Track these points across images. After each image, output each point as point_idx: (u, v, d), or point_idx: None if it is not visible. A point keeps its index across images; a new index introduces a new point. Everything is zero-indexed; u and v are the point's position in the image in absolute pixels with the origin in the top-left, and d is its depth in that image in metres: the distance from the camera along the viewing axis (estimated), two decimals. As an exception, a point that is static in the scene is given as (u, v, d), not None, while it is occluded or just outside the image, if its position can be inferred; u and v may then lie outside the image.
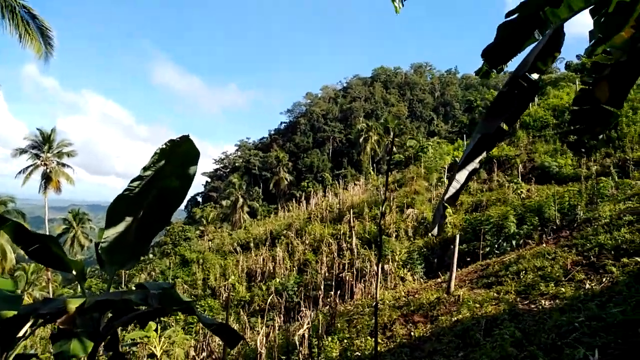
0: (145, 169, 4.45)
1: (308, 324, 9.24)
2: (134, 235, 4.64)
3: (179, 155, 4.49)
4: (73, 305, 3.99)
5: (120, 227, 4.59)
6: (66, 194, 46.34)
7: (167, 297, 4.39)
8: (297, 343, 8.84)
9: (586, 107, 4.84)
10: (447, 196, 4.21)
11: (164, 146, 4.45)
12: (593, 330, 5.85)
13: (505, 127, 4.27)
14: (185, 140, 4.43)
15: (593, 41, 4.98)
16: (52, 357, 4.39)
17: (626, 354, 4.95)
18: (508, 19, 4.41)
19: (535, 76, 4.20)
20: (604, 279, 8.54)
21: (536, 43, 4.26)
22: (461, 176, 4.27)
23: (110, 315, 4.91)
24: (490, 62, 4.88)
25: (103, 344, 4.77)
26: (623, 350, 5.02)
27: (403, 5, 4.66)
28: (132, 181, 4.48)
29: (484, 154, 4.46)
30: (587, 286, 8.44)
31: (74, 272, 4.66)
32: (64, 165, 44.40)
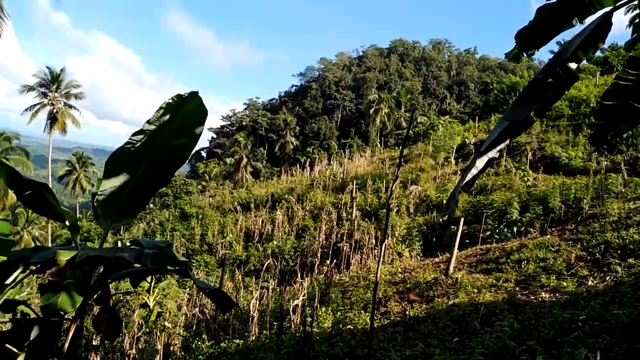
0: (149, 122, 4.19)
1: (304, 295, 9.14)
2: (132, 190, 4.42)
3: (185, 112, 4.21)
4: (64, 257, 3.81)
5: (118, 181, 4.37)
6: (71, 136, 46.33)
7: (162, 258, 4.22)
8: (291, 310, 8.77)
9: (616, 103, 4.59)
10: (464, 182, 4.02)
11: (171, 101, 4.17)
12: (595, 331, 5.69)
13: (535, 117, 4.05)
14: (194, 97, 4.14)
15: (635, 35, 4.66)
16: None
17: (630, 360, 4.79)
18: (549, 1, 4.12)
19: (573, 65, 3.92)
20: (607, 278, 8.37)
21: (580, 31, 3.98)
22: (481, 163, 4.09)
23: (102, 269, 4.76)
24: (523, 45, 4.66)
25: (94, 297, 4.64)
26: (628, 356, 4.85)
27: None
28: (134, 134, 4.23)
29: (507, 142, 4.25)
30: (590, 283, 8.29)
31: (67, 223, 4.48)
32: (71, 106, 43.99)
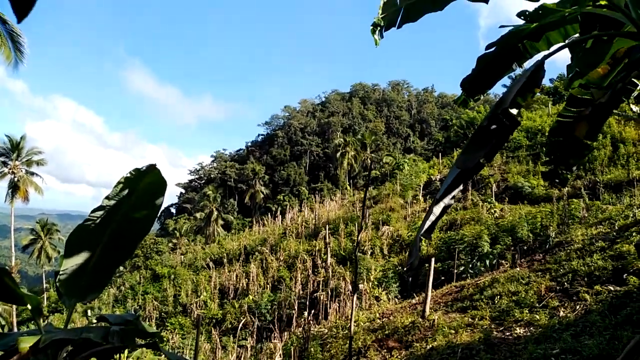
0: (108, 198, 4.22)
1: (280, 356, 8.97)
2: (94, 267, 4.37)
3: (144, 185, 4.26)
4: (26, 344, 3.68)
5: (80, 259, 4.32)
6: (35, 203, 44.96)
7: (129, 334, 4.13)
8: (269, 372, 8.57)
9: (561, 139, 4.87)
10: (423, 230, 4.13)
11: (129, 175, 4.22)
12: (569, 365, 5.79)
13: (484, 162, 4.24)
14: (152, 170, 4.20)
15: (571, 75, 5.01)
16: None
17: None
18: (487, 51, 4.40)
19: (514, 111, 4.18)
20: (577, 307, 8.55)
21: (517, 79, 4.26)
22: (437, 209, 4.21)
23: (69, 349, 4.61)
24: (469, 92, 4.90)
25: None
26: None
27: (382, 37, 4.61)
28: (93, 211, 4.24)
29: (461, 187, 4.42)
30: (561, 314, 8.44)
31: (28, 307, 4.36)
32: (32, 174, 42.97)
